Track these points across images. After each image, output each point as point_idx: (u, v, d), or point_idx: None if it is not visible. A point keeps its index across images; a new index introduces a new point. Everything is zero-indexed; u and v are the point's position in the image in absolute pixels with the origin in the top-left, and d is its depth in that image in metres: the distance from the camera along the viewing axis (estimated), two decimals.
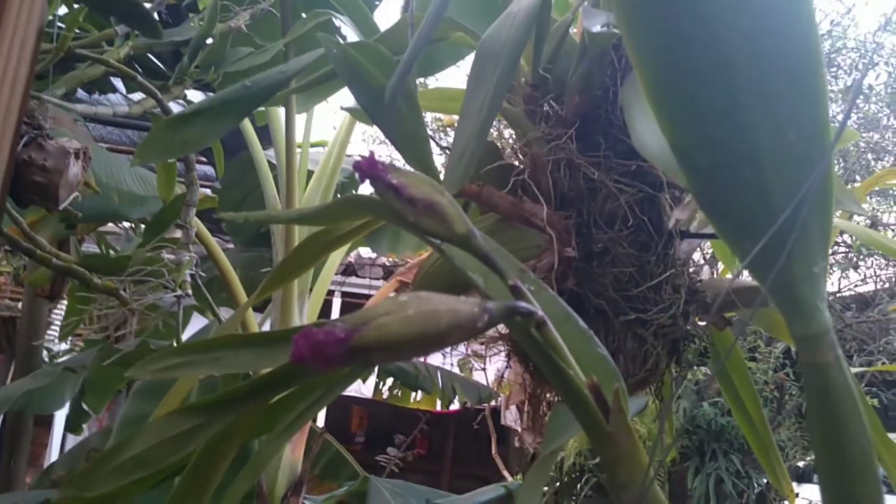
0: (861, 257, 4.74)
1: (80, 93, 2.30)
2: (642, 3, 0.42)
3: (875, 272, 4.88)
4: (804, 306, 0.41)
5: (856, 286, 4.88)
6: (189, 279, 1.18)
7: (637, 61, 0.42)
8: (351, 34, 1.36)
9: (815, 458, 0.43)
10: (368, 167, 0.45)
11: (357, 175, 0.45)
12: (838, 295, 4.81)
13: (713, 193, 0.43)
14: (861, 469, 0.40)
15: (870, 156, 5.19)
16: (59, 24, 1.42)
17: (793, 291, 0.42)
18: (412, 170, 0.69)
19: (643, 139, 0.64)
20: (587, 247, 0.85)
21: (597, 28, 0.74)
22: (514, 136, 0.94)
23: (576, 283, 0.84)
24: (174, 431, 0.67)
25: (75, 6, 1.32)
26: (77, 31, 1.33)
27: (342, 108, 1.15)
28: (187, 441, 0.67)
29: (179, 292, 1.14)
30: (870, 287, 4.82)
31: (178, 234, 1.34)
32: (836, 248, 4.85)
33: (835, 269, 4.89)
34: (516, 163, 0.91)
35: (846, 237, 4.37)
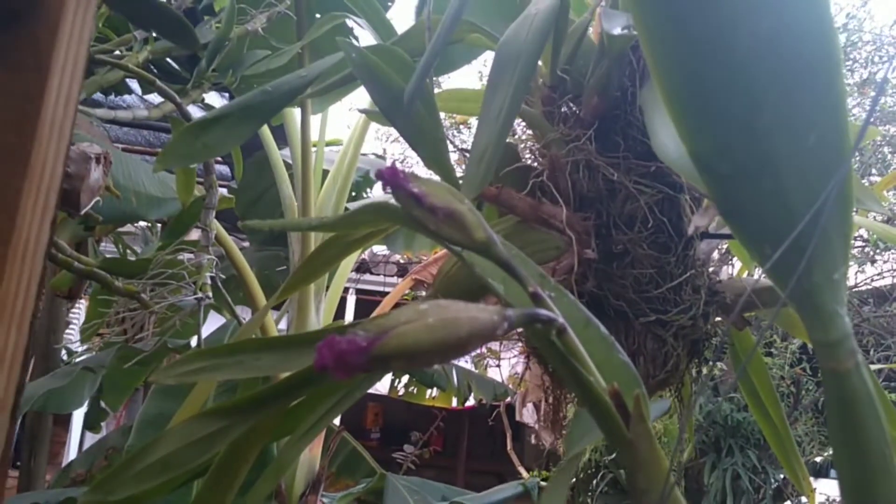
0: (878, 251, 4.71)
1: (97, 94, 2.31)
2: (659, 9, 0.42)
3: (892, 266, 4.85)
4: (824, 313, 0.41)
5: (872, 280, 4.85)
6: (209, 281, 1.19)
7: (654, 67, 0.42)
8: (365, 35, 1.37)
9: (835, 464, 0.43)
10: (390, 176, 0.45)
11: (380, 183, 0.46)
12: (855, 289, 4.78)
13: (733, 200, 0.43)
14: (881, 475, 0.40)
15: (886, 149, 5.15)
16: None
17: (812, 298, 0.42)
18: (432, 176, 0.69)
19: (664, 145, 0.64)
20: (607, 248, 0.85)
21: (617, 31, 0.74)
22: (532, 138, 0.95)
23: (596, 285, 0.84)
24: (197, 435, 0.68)
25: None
26: (97, 35, 1.34)
27: (358, 111, 1.16)
28: (210, 444, 0.68)
29: (200, 295, 1.15)
30: (887, 281, 4.78)
31: (196, 235, 1.35)
32: (852, 242, 4.81)
33: (852, 263, 4.86)
34: (535, 164, 0.91)
35: (862, 231, 4.35)
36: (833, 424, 0.42)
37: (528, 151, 0.93)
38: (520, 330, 0.93)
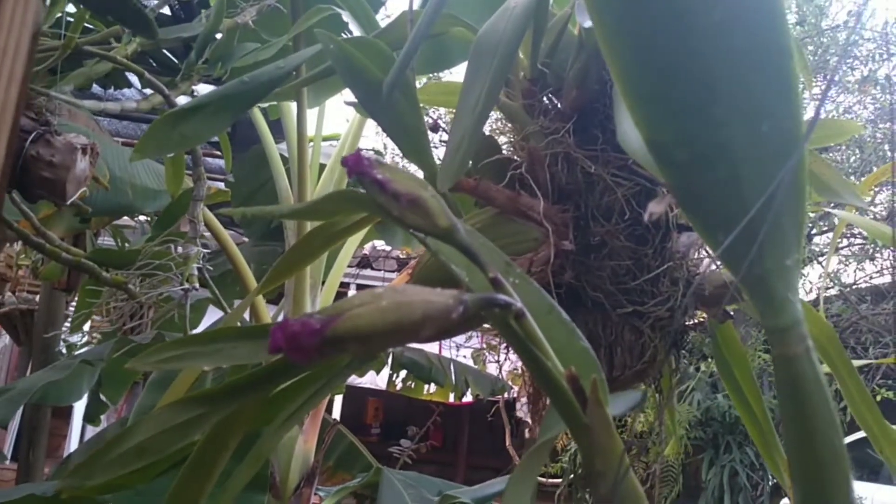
0: (877, 249, 4.71)
1: (96, 87, 2.32)
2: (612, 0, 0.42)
3: (892, 263, 4.85)
4: (775, 299, 0.42)
5: (871, 278, 4.85)
6: (196, 273, 1.20)
7: (609, 56, 0.43)
8: (357, 30, 1.38)
9: (785, 447, 0.43)
10: (354, 163, 0.46)
11: (346, 170, 0.47)
12: (854, 287, 4.78)
13: (689, 188, 0.44)
14: (830, 460, 0.41)
15: (886, 147, 5.14)
16: (69, 18, 1.43)
17: (764, 284, 0.42)
18: (400, 165, 0.70)
19: (626, 134, 0.65)
20: (584, 240, 0.85)
21: (590, 23, 0.74)
22: (512, 130, 0.95)
23: (573, 276, 0.85)
24: (176, 421, 0.68)
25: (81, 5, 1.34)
26: (88, 26, 1.35)
27: (346, 103, 1.16)
28: (189, 430, 0.68)
29: (187, 286, 1.16)
30: (886, 279, 4.78)
31: (187, 227, 1.36)
32: (852, 239, 4.82)
33: (851, 260, 4.86)
34: (514, 156, 0.91)
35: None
36: (783, 408, 0.42)
37: (507, 144, 0.94)
38: None
